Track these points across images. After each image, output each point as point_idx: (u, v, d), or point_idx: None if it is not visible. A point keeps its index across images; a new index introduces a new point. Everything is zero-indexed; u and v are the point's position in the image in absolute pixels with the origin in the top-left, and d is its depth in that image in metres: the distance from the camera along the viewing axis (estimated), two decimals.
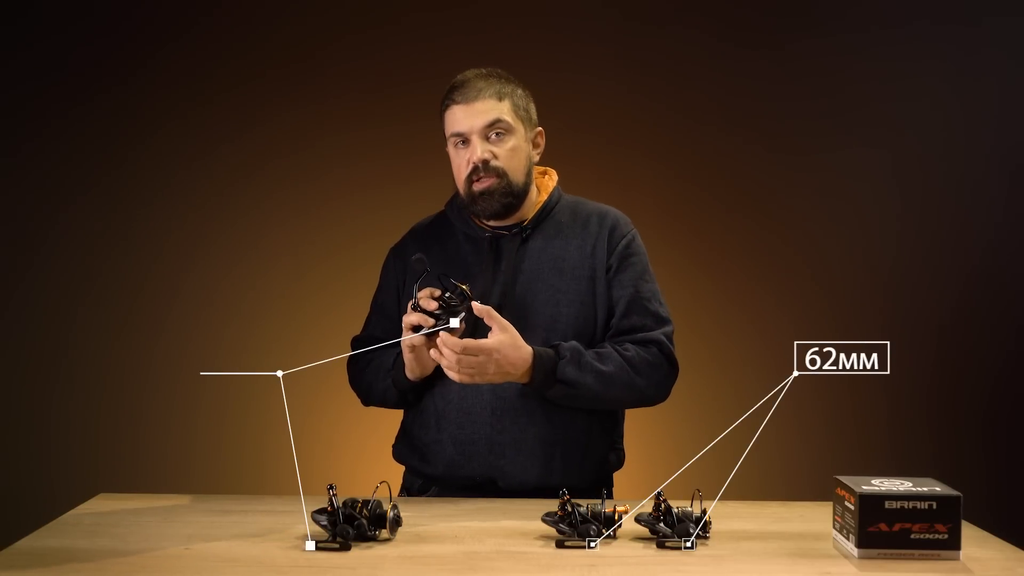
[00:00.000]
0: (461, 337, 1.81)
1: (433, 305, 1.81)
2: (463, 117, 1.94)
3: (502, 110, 1.95)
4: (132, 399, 3.19)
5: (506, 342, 1.82)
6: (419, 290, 1.82)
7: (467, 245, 2.03)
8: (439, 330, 1.80)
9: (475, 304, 1.80)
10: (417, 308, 1.81)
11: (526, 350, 1.85)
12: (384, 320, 2.04)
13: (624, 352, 1.94)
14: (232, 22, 3.18)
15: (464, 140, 1.96)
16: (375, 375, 2.02)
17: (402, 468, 2.09)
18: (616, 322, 1.98)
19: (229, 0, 3.18)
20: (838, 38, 3.18)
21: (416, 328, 1.82)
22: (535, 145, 2.03)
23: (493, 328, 1.82)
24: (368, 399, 2.07)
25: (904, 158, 3.19)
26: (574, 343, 1.92)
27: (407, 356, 1.90)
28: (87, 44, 3.16)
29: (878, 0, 3.18)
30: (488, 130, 1.94)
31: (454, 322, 1.80)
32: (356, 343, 2.10)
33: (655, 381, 1.97)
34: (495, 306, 1.91)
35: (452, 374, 1.82)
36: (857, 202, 3.20)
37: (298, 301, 3.20)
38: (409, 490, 2.05)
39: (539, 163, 2.07)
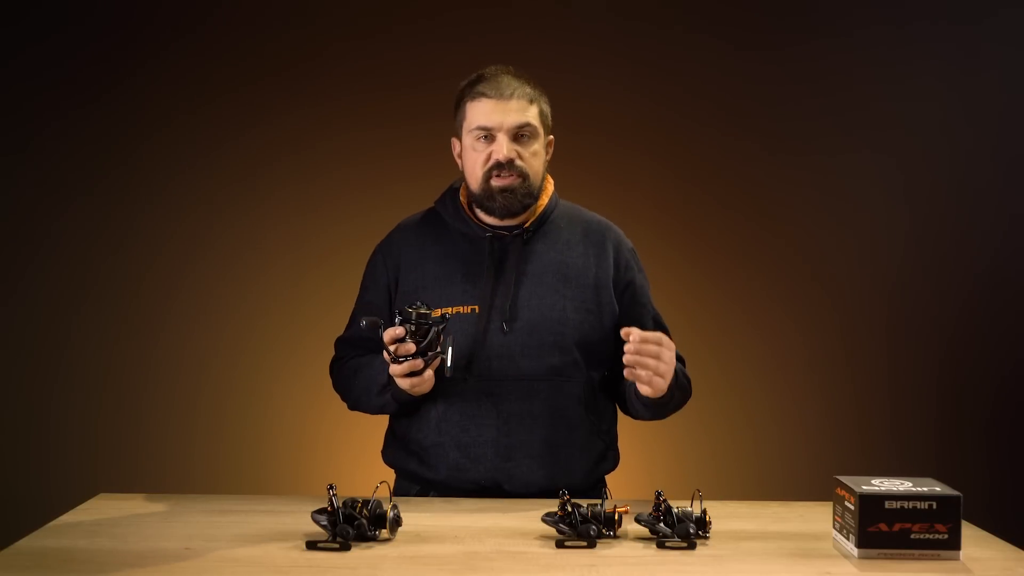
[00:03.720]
0: (427, 348, 1.80)
1: (411, 347, 1.80)
2: (493, 112, 1.93)
3: (532, 114, 1.95)
4: (132, 399, 3.19)
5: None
6: (387, 340, 1.81)
7: (464, 244, 2.01)
8: (434, 356, 1.82)
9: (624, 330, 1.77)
10: (398, 359, 1.80)
11: None
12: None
13: (681, 369, 1.97)
14: (233, 24, 3.18)
15: (488, 135, 1.94)
16: (366, 390, 1.98)
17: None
18: None
19: (230, 2, 3.18)
20: (839, 39, 3.17)
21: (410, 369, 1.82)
22: (546, 152, 2.03)
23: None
24: (356, 407, 2.05)
25: (905, 158, 3.19)
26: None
27: (412, 391, 1.87)
28: (88, 44, 3.16)
29: (878, 0, 3.18)
30: (517, 130, 1.94)
31: (438, 349, 1.81)
32: (341, 344, 2.09)
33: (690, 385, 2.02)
34: (502, 307, 1.92)
35: (637, 371, 1.77)
36: (858, 202, 3.20)
37: (298, 301, 3.20)
38: (405, 496, 2.02)
39: None
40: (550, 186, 2.07)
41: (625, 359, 1.76)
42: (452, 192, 2.06)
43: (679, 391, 1.93)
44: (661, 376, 1.79)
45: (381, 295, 2.04)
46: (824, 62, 3.18)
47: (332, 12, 3.18)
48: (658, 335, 1.78)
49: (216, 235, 3.20)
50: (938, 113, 3.17)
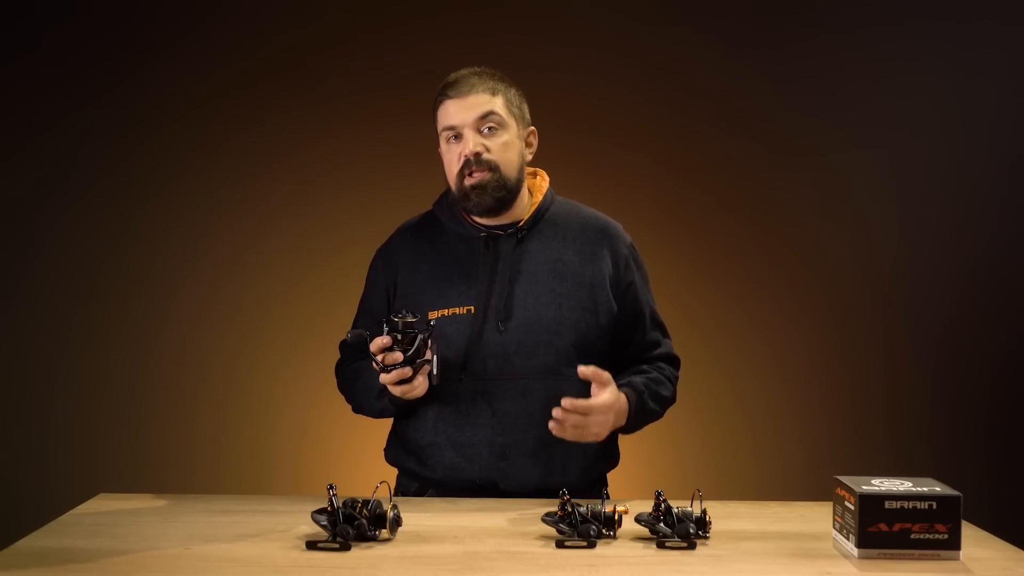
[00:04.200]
0: (414, 356, 1.81)
1: (399, 356, 1.81)
2: (456, 111, 1.94)
3: (495, 104, 1.95)
4: (132, 399, 3.19)
5: (615, 399, 1.88)
6: (374, 350, 1.81)
7: (459, 245, 2.01)
8: (423, 363, 1.83)
9: (581, 369, 1.84)
10: (385, 368, 1.81)
11: (623, 400, 1.91)
12: (372, 324, 2.02)
13: (663, 372, 2.05)
14: (232, 24, 3.18)
15: (456, 135, 1.95)
16: (366, 395, 2.00)
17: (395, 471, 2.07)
18: (641, 337, 2.05)
19: (229, 2, 3.18)
20: (836, 37, 3.17)
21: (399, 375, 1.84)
22: (528, 144, 2.03)
23: (608, 388, 1.86)
24: (360, 412, 2.07)
25: (903, 157, 3.19)
26: (639, 379, 1.98)
27: (404, 398, 1.88)
28: (88, 44, 3.16)
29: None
30: (481, 123, 1.94)
31: (428, 353, 1.83)
32: (343, 347, 2.11)
33: (675, 392, 2.10)
34: (497, 307, 1.92)
35: (557, 430, 1.84)
36: (856, 201, 3.20)
37: (298, 301, 3.20)
38: (404, 494, 2.02)
39: (531, 164, 2.07)
40: (545, 183, 2.07)
41: (551, 422, 1.83)
42: (448, 193, 2.06)
43: (646, 416, 1.99)
44: (594, 435, 1.88)
45: (381, 298, 2.06)
46: (824, 61, 3.18)
47: (332, 12, 3.18)
48: (587, 405, 1.83)
49: (216, 235, 3.20)
50: (937, 112, 3.17)
